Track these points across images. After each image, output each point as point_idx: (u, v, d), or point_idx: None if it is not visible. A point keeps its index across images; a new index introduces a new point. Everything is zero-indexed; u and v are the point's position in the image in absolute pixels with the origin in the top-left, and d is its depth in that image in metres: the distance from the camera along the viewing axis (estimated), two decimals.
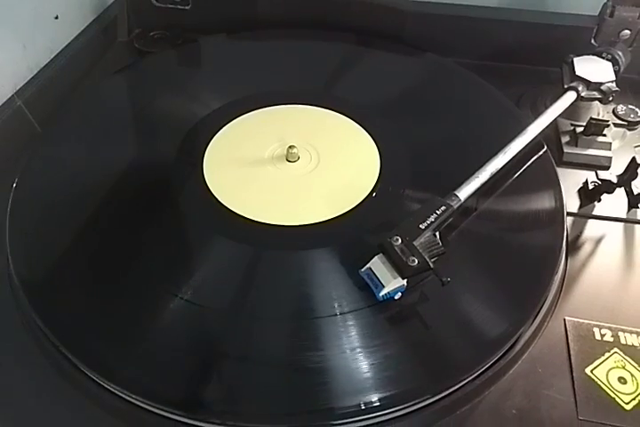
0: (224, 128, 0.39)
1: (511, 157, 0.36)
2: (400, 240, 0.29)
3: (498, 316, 0.31)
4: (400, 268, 0.29)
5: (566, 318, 0.33)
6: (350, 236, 0.34)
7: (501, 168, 0.36)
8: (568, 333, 0.33)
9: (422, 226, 0.30)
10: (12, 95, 0.41)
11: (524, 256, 0.34)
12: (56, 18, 0.48)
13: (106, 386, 0.28)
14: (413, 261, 0.28)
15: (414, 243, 0.29)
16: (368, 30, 0.48)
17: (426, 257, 0.29)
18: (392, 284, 0.29)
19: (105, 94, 0.44)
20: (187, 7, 0.52)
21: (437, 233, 0.31)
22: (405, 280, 0.29)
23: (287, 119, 0.41)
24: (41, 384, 0.30)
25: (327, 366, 0.28)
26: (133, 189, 0.37)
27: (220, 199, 0.35)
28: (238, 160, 0.38)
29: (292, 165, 0.37)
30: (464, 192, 0.33)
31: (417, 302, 0.31)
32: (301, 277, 0.32)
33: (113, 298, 0.31)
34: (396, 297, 0.30)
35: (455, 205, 0.32)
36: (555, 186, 0.38)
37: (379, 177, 0.37)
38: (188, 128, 0.40)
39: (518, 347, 0.31)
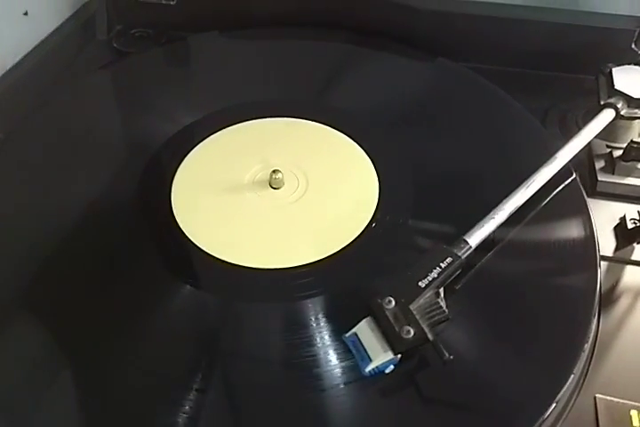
0: (199, 146, 0.34)
1: (535, 190, 0.30)
2: (394, 302, 0.23)
3: (517, 393, 0.25)
4: (392, 340, 0.23)
5: (597, 395, 0.27)
6: (341, 283, 0.28)
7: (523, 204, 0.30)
8: (599, 415, 0.26)
9: (422, 284, 0.24)
10: None
11: (550, 310, 0.28)
12: (25, 14, 0.43)
13: None
14: (408, 332, 0.23)
15: (411, 307, 0.23)
16: (373, 29, 0.42)
17: (424, 326, 0.23)
18: (381, 358, 0.23)
19: (71, 103, 0.38)
20: (172, 2, 0.47)
21: (442, 289, 0.25)
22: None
23: (273, 136, 0.35)
24: None
25: None
26: (91, 220, 0.31)
27: (186, 233, 0.29)
28: (214, 185, 0.32)
29: (275, 192, 0.32)
30: (476, 237, 0.27)
31: (413, 373, 0.25)
32: (278, 337, 0.27)
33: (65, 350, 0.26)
34: (387, 371, 0.24)
35: (464, 254, 0.26)
36: (585, 223, 0.32)
37: (376, 209, 0.31)
38: (159, 145, 0.34)
39: None
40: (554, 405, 0.25)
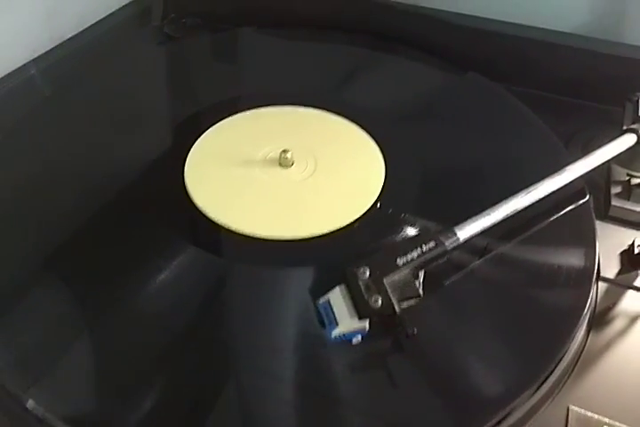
0: (219, 124, 0.36)
1: (536, 199, 0.30)
2: (368, 273, 0.24)
3: (483, 384, 0.25)
4: (359, 307, 0.23)
5: (571, 406, 0.26)
6: (332, 258, 0.29)
7: (522, 210, 0.30)
8: (569, 425, 0.26)
9: (400, 261, 0.25)
10: (29, 62, 0.40)
11: (535, 318, 0.28)
12: None
13: None
14: (376, 301, 0.23)
15: (384, 280, 0.24)
16: (409, 41, 0.44)
17: (393, 299, 0.23)
18: (348, 324, 0.24)
19: (110, 76, 0.42)
20: None
21: (422, 273, 0.26)
22: (367, 322, 0.24)
23: (290, 122, 0.37)
24: None
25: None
26: (108, 184, 0.33)
27: (194, 200, 0.31)
28: (226, 159, 0.34)
29: (284, 170, 0.33)
30: (466, 231, 0.27)
31: (387, 352, 0.26)
32: (277, 298, 0.28)
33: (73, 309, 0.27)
34: (354, 341, 0.25)
35: (450, 244, 0.26)
36: (589, 242, 0.31)
37: (379, 195, 0.32)
38: (181, 120, 0.37)
39: None
40: (524, 398, 0.24)
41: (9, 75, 0.39)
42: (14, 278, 0.29)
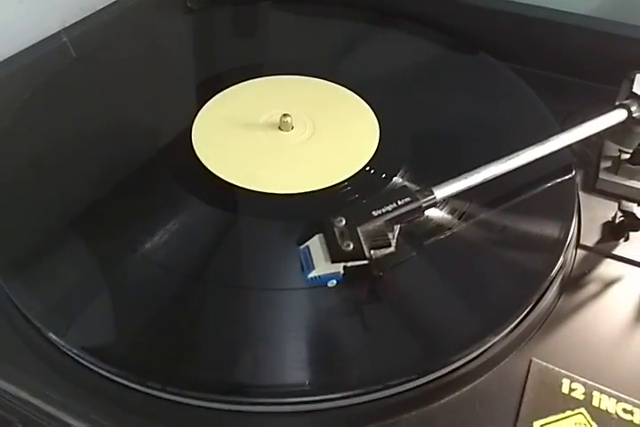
0: (228, 89, 0.39)
1: (517, 165, 0.31)
2: (344, 222, 0.26)
3: (448, 328, 0.27)
4: (332, 250, 0.26)
5: (534, 359, 0.28)
6: (326, 211, 0.30)
7: (503, 176, 0.31)
8: (530, 376, 0.27)
9: (375, 213, 0.27)
10: (60, 31, 0.43)
11: (508, 276, 0.30)
12: None
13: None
14: (348, 245, 0.25)
15: (358, 228, 0.26)
16: (415, 17, 0.46)
17: (364, 245, 0.25)
18: (322, 267, 0.26)
19: (132, 44, 0.45)
20: None
21: (397, 227, 0.28)
22: (341, 267, 0.26)
23: (292, 89, 0.39)
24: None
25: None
26: (119, 140, 0.37)
27: (200, 158, 0.34)
28: (230, 122, 0.36)
29: (283, 133, 0.36)
30: (443, 191, 0.29)
31: (365, 296, 0.28)
32: (269, 247, 0.30)
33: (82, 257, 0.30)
34: (329, 284, 0.27)
35: (425, 201, 0.28)
36: (567, 212, 0.32)
37: (372, 158, 0.34)
38: (191, 86, 0.40)
39: (460, 373, 0.27)
40: (485, 345, 0.26)
41: (41, 42, 0.42)
42: (40, 234, 0.32)
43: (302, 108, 0.37)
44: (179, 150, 0.35)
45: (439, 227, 0.31)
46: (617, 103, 0.36)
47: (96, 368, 0.26)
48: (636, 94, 0.36)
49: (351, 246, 0.25)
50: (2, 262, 0.30)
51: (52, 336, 0.27)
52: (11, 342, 0.28)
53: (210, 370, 0.25)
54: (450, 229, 0.31)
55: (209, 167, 0.34)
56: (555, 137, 0.33)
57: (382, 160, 0.34)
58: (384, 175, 0.33)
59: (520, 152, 0.32)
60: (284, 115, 0.35)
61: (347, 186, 0.33)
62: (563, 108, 0.41)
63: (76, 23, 0.44)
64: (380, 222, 0.26)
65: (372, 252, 0.26)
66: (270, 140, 0.35)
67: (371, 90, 0.39)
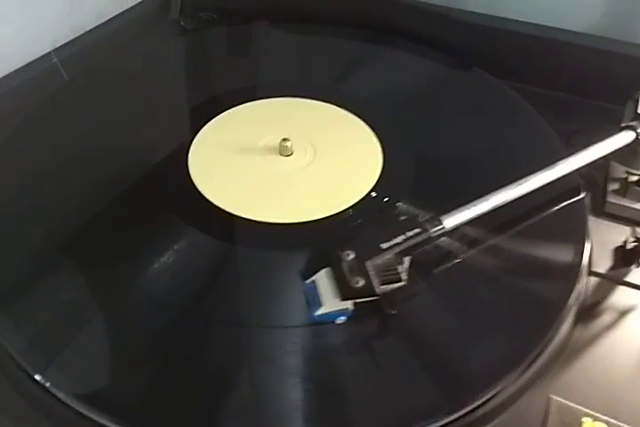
0: (224, 113, 0.38)
1: (527, 191, 0.30)
2: (352, 256, 0.25)
3: (463, 367, 0.26)
4: (341, 287, 0.24)
5: (552, 396, 0.26)
6: (328, 241, 0.30)
7: (513, 202, 0.30)
8: (549, 415, 0.26)
9: (384, 246, 0.25)
10: (50, 51, 0.42)
11: (520, 307, 0.28)
12: None
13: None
14: (357, 282, 0.24)
15: (367, 263, 0.25)
16: (414, 36, 0.45)
17: (374, 281, 0.24)
18: (331, 304, 0.25)
19: (125, 65, 0.44)
20: None
21: (407, 259, 0.26)
22: (350, 303, 0.25)
23: (291, 112, 0.38)
24: None
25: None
26: (112, 164, 0.35)
27: (196, 184, 0.33)
28: (228, 148, 0.35)
29: (283, 158, 0.34)
30: (452, 220, 0.28)
31: (375, 333, 0.26)
32: (273, 278, 0.29)
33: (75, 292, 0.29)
34: (338, 321, 0.25)
35: (434, 232, 0.27)
36: (579, 238, 0.31)
37: (376, 184, 0.33)
38: (187, 110, 0.39)
39: (479, 414, 0.25)
40: (503, 385, 0.25)
41: (32, 63, 0.41)
42: (26, 263, 0.30)
43: (302, 131, 0.36)
44: (175, 178, 0.34)
45: (447, 255, 0.30)
46: (623, 125, 0.35)
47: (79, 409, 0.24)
48: None
49: (360, 283, 0.24)
50: None
51: (35, 375, 0.25)
52: None
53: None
54: (458, 257, 0.30)
55: (206, 195, 0.32)
56: (563, 161, 0.32)
57: (386, 186, 0.33)
58: (389, 202, 0.32)
59: (529, 177, 0.31)
60: (284, 139, 0.34)
61: (350, 214, 0.31)
62: (565, 126, 0.41)
63: (66, 43, 0.43)
64: (389, 256, 0.25)
65: (382, 287, 0.24)
66: (270, 166, 0.34)
67: (371, 111, 0.38)
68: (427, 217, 0.28)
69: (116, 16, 0.48)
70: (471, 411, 0.25)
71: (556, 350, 0.28)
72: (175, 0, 0.51)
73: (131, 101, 0.40)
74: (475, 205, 0.29)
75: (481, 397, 0.25)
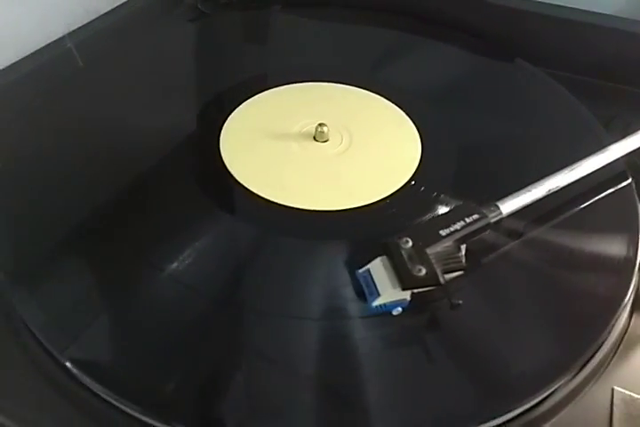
0: (256, 97, 0.36)
1: (579, 176, 0.29)
2: (411, 243, 0.24)
3: (527, 364, 0.24)
4: (402, 276, 0.23)
5: (615, 387, 0.25)
6: (368, 230, 0.29)
7: (564, 187, 0.29)
8: (614, 407, 0.25)
9: (443, 232, 0.24)
10: (64, 35, 0.40)
11: (577, 302, 0.27)
12: None
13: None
14: (420, 270, 0.23)
15: (427, 250, 0.23)
16: (446, 22, 0.43)
17: (437, 270, 0.23)
18: (389, 294, 0.23)
19: (148, 47, 0.42)
20: None
21: (463, 247, 0.25)
22: (408, 293, 0.23)
23: (327, 98, 0.37)
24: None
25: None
26: (144, 153, 0.33)
27: (230, 169, 0.31)
28: (262, 132, 0.34)
29: (318, 144, 0.33)
30: (508, 205, 0.26)
31: (423, 329, 0.25)
32: (309, 269, 0.28)
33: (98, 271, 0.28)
34: (394, 312, 0.24)
35: (492, 217, 0.25)
36: (632, 226, 0.30)
37: (416, 171, 0.31)
38: (218, 92, 0.37)
39: (544, 409, 0.24)
40: (569, 377, 0.24)
41: (46, 47, 0.39)
42: (58, 243, 0.29)
43: (337, 117, 0.34)
44: (207, 163, 0.32)
45: (495, 248, 0.28)
46: None
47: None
48: None
49: (424, 271, 0.22)
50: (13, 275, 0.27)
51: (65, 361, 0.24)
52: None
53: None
54: (506, 250, 0.28)
55: (241, 181, 0.31)
56: (614, 145, 0.31)
57: (426, 174, 0.31)
58: (428, 190, 0.30)
59: (581, 162, 0.30)
60: (320, 124, 0.32)
61: (390, 202, 0.30)
62: (602, 113, 0.40)
63: (80, 27, 0.41)
64: (449, 243, 0.24)
65: (444, 276, 0.23)
66: (305, 152, 0.32)
67: (407, 99, 0.36)
68: (483, 203, 0.26)
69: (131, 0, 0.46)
70: (535, 406, 0.24)
71: (614, 342, 0.27)
72: None
73: (153, 88, 0.38)
74: (529, 191, 0.27)
75: (544, 391, 0.24)
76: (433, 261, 0.23)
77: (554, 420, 0.24)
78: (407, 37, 0.43)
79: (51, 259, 0.28)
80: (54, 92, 0.37)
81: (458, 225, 0.24)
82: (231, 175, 0.31)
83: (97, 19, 0.42)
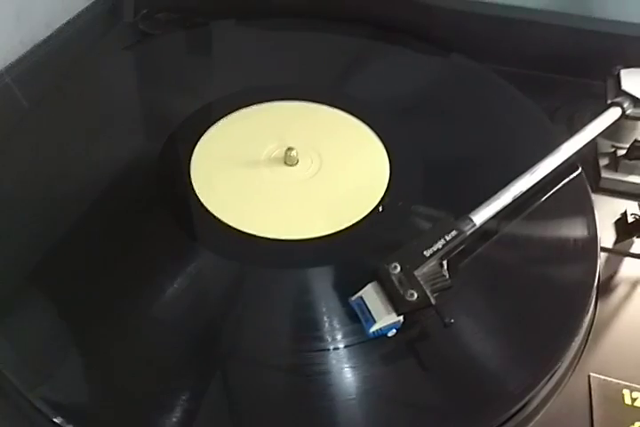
0: (219, 122, 0.35)
1: (539, 178, 0.31)
2: (399, 268, 0.25)
3: (511, 367, 0.26)
4: (396, 302, 0.24)
5: (591, 374, 0.28)
6: (350, 255, 0.30)
7: (527, 191, 0.31)
8: (592, 392, 0.27)
9: (427, 253, 0.25)
10: (1, 71, 0.38)
11: (548, 294, 0.29)
12: None
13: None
14: (412, 295, 0.24)
15: (415, 273, 0.24)
16: (389, 25, 0.44)
17: (427, 291, 0.24)
18: (385, 319, 0.24)
19: (97, 77, 0.40)
20: None
21: (444, 262, 0.26)
22: (402, 316, 0.25)
23: (291, 117, 0.37)
24: None
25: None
26: (113, 188, 0.33)
27: (205, 204, 0.31)
28: (231, 160, 0.33)
29: (289, 169, 0.33)
30: (480, 216, 0.28)
31: (413, 343, 0.26)
32: (292, 300, 0.28)
33: (81, 317, 0.27)
34: (390, 334, 0.25)
35: (468, 230, 0.27)
36: (588, 215, 0.33)
37: (387, 189, 0.32)
38: (180, 120, 0.36)
39: (533, 406, 0.26)
40: (550, 374, 0.26)
41: None
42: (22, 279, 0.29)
43: (304, 138, 0.34)
44: (180, 197, 0.32)
45: (465, 251, 0.30)
46: (609, 102, 0.37)
47: None
48: (625, 92, 0.36)
49: (415, 296, 0.24)
50: None
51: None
52: None
53: None
54: (477, 252, 0.30)
55: (216, 214, 0.30)
56: (565, 144, 0.33)
57: (397, 193, 0.32)
58: (402, 209, 0.31)
59: (539, 165, 0.31)
60: (289, 148, 0.32)
61: (367, 225, 0.30)
62: (547, 104, 0.42)
63: (17, 60, 0.38)
64: (434, 262, 0.25)
65: (434, 295, 0.24)
66: (277, 177, 0.33)
67: (369, 112, 0.36)
68: (455, 218, 0.28)
69: (67, 23, 0.44)
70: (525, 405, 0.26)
71: (586, 329, 0.30)
72: (127, 2, 0.46)
73: (111, 122, 0.36)
74: (497, 198, 0.29)
75: (532, 388, 0.26)
76: (422, 282, 0.24)
77: (542, 413, 0.26)
78: (357, 46, 0.43)
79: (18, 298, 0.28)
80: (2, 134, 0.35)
81: (439, 244, 0.25)
82: (208, 210, 0.31)
83: (32, 49, 0.40)
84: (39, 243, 0.30)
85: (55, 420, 0.23)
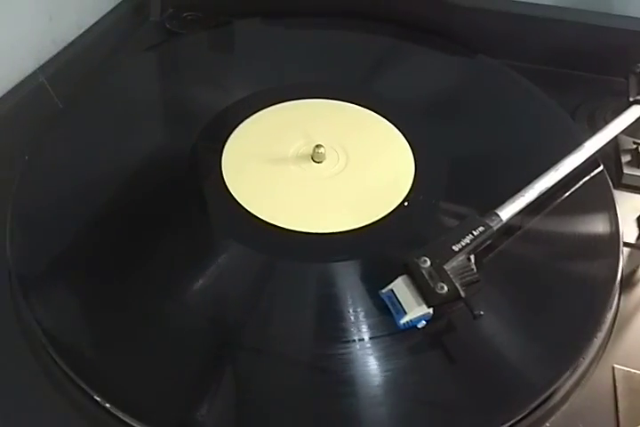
0: (248, 120, 0.36)
1: (564, 175, 0.32)
2: (429, 262, 0.25)
3: (535, 359, 0.27)
4: (426, 294, 0.25)
5: (615, 365, 0.28)
6: (376, 249, 0.31)
7: (551, 187, 0.31)
8: (617, 384, 0.28)
9: (456, 248, 0.26)
10: (35, 70, 0.39)
11: (572, 288, 0.30)
12: None
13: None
14: (442, 288, 0.24)
15: (445, 267, 0.25)
16: (412, 23, 0.44)
17: (457, 284, 0.25)
18: (415, 311, 0.25)
19: (128, 76, 0.41)
20: None
21: (472, 257, 0.27)
22: (431, 308, 0.25)
23: (318, 115, 0.37)
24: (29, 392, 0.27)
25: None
26: (145, 182, 0.34)
27: (236, 198, 0.32)
28: (260, 156, 0.34)
29: (317, 165, 0.34)
30: (507, 212, 0.29)
31: (439, 336, 0.27)
32: (319, 292, 0.29)
33: (113, 302, 0.28)
34: (419, 326, 0.26)
35: (495, 226, 0.28)
36: (610, 210, 0.33)
37: (412, 186, 0.33)
38: (210, 117, 0.37)
39: (557, 397, 0.27)
40: (574, 366, 0.26)
41: (20, 84, 0.38)
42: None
43: (331, 135, 0.35)
44: (212, 191, 0.33)
45: (490, 246, 0.30)
46: (631, 99, 0.37)
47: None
48: None
49: (446, 288, 0.24)
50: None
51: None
52: None
53: None
54: (502, 249, 0.31)
55: (247, 208, 0.31)
56: (588, 142, 0.33)
57: (422, 189, 0.33)
58: (426, 205, 0.32)
59: (563, 162, 0.32)
60: (317, 146, 0.33)
61: (392, 220, 0.31)
62: (568, 101, 0.42)
63: (50, 59, 0.39)
64: (462, 257, 0.26)
65: (464, 289, 0.25)
66: (304, 174, 0.34)
67: (397, 112, 0.37)
68: (482, 213, 0.28)
69: (96, 23, 0.45)
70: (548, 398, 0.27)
71: (609, 322, 0.30)
72: (154, 2, 0.47)
73: (139, 116, 0.37)
74: (523, 195, 0.30)
75: (556, 382, 0.26)
76: (451, 276, 0.25)
77: (566, 405, 0.27)
78: (385, 45, 0.44)
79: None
80: (39, 132, 0.36)
81: (467, 239, 0.26)
82: (240, 205, 0.32)
83: (65, 49, 0.41)
84: (77, 232, 0.31)
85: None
